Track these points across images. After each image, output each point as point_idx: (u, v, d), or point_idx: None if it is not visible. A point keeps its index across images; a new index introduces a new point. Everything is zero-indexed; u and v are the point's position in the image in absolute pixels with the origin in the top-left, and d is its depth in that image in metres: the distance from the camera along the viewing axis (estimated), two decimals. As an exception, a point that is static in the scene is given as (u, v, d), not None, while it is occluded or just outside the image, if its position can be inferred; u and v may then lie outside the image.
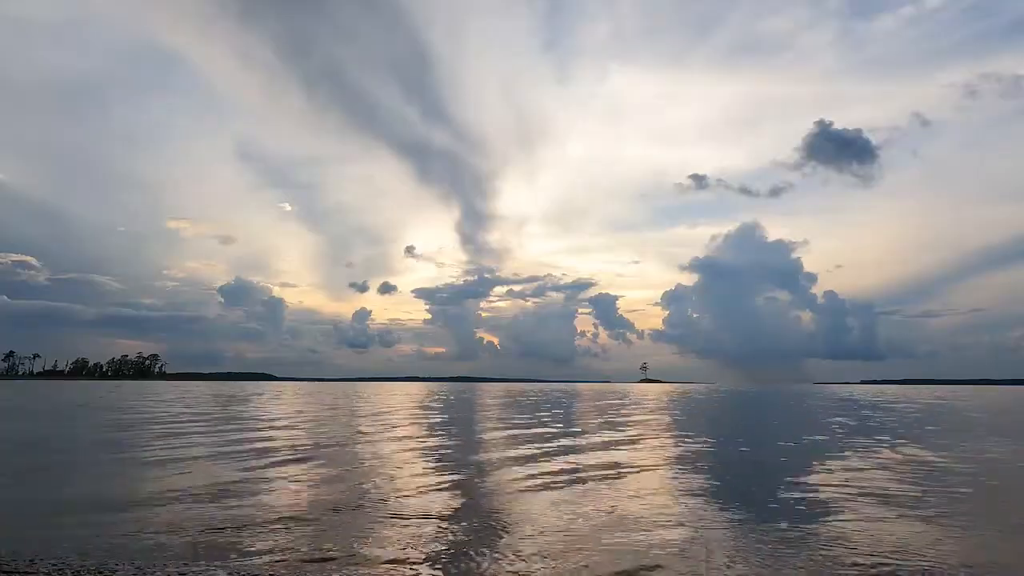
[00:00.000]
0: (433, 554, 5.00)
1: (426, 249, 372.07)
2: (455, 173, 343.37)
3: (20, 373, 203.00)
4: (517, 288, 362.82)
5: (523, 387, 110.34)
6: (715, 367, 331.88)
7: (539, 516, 6.26)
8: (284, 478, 8.56)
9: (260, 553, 4.97)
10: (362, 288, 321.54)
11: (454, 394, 45.60)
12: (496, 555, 4.94)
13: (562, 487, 7.91)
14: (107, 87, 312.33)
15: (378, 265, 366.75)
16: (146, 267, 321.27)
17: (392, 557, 4.91)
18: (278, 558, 4.83)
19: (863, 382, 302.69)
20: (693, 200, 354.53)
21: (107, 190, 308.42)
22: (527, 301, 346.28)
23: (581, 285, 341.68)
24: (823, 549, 5.12)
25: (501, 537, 5.49)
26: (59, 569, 4.45)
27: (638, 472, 9.22)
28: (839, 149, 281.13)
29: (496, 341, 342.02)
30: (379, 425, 18.18)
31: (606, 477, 8.75)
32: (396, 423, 19.13)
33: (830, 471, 9.42)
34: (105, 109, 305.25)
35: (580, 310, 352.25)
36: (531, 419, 21.40)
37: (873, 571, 4.57)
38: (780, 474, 9.27)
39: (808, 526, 5.89)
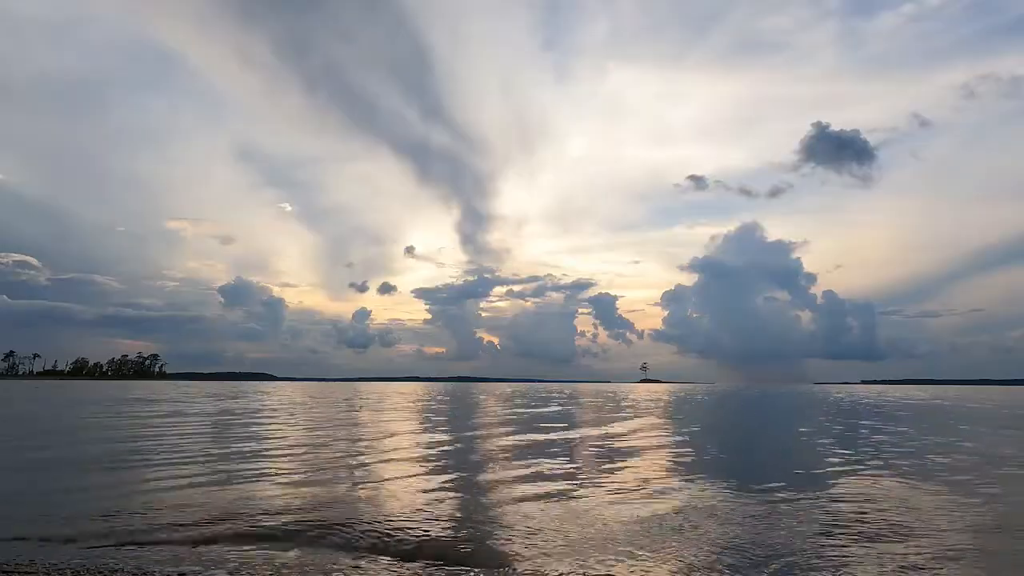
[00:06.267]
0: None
1: (426, 249, 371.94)
2: (455, 173, 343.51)
3: (20, 373, 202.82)
4: (517, 288, 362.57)
5: (524, 388, 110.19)
6: (715, 367, 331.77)
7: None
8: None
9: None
10: (362, 288, 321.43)
11: (449, 402, 45.23)
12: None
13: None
14: (107, 87, 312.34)
15: (378, 265, 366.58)
16: (146, 267, 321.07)
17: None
18: (280, 560, 4.80)
19: (863, 382, 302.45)
20: (693, 200, 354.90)
21: (107, 190, 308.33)
22: (527, 301, 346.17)
23: (581, 285, 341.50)
24: None
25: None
26: (59, 569, 4.40)
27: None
28: (838, 149, 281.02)
29: (496, 341, 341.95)
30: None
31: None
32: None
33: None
34: (105, 109, 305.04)
35: (580, 310, 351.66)
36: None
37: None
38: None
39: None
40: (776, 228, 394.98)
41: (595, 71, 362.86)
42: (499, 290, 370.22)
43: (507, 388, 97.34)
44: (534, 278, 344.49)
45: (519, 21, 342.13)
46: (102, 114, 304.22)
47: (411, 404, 33.62)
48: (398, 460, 10.58)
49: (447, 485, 8.11)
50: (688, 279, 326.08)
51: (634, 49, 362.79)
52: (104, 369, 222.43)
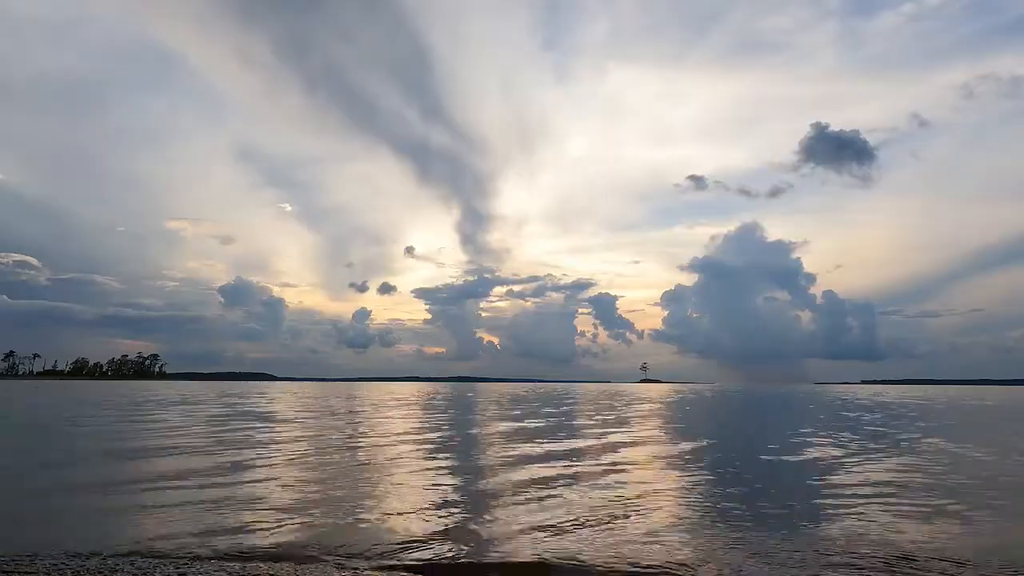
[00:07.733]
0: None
1: (426, 249, 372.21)
2: (455, 173, 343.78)
3: (20, 373, 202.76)
4: (517, 288, 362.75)
5: (525, 388, 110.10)
6: (715, 367, 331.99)
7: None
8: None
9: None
10: (362, 288, 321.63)
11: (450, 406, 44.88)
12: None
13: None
14: (107, 87, 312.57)
15: (378, 265, 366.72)
16: (146, 267, 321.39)
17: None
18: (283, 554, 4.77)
19: (863, 382, 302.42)
20: (693, 200, 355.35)
21: (107, 190, 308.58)
22: (527, 301, 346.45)
23: (581, 285, 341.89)
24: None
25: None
26: (59, 568, 4.37)
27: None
28: (838, 149, 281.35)
29: (496, 341, 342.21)
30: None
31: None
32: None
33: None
34: (105, 109, 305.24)
35: (580, 310, 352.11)
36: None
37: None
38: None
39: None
40: (776, 228, 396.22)
41: (595, 71, 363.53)
42: (499, 290, 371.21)
43: (509, 388, 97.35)
44: (534, 278, 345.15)
45: (519, 21, 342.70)
46: (102, 114, 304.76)
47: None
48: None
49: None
50: (688, 279, 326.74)
51: (634, 49, 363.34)
52: (104, 369, 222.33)
